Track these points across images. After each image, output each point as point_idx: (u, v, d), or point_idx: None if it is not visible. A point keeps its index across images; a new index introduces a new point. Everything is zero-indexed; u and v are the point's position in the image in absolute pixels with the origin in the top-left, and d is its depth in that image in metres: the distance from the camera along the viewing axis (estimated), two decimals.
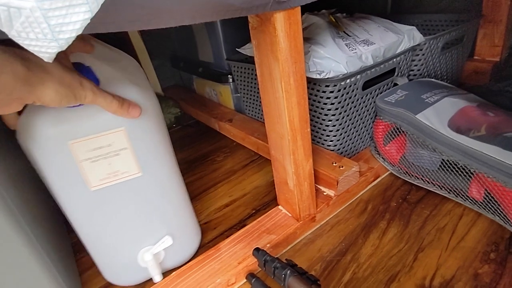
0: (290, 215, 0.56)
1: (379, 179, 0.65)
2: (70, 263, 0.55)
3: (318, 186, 0.61)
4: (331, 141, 0.64)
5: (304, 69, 0.43)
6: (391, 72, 0.65)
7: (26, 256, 0.37)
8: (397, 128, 0.59)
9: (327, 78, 0.56)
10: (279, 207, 0.58)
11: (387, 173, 0.66)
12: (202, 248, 0.57)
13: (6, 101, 0.27)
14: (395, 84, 0.66)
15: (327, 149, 0.65)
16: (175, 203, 0.50)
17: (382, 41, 0.61)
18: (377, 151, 0.65)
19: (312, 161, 0.51)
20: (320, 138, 0.65)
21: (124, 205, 0.45)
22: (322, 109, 0.60)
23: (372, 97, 0.65)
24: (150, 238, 0.48)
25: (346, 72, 0.56)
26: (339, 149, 0.66)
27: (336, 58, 0.55)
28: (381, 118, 0.60)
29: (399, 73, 0.66)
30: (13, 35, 0.19)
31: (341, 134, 0.64)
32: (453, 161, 0.52)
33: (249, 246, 0.51)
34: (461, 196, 0.54)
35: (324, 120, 0.62)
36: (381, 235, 0.54)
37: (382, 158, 0.64)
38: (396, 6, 1.01)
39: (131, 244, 0.48)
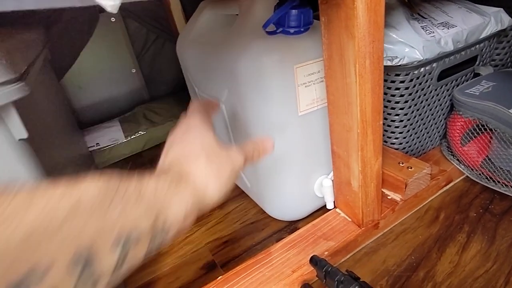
0: (350, 219, 0.50)
1: (451, 184, 0.57)
2: None
3: (382, 189, 0.53)
4: (396, 138, 0.57)
5: (383, 50, 0.37)
6: (472, 60, 0.56)
7: None
8: (482, 125, 0.50)
9: (399, 65, 0.48)
10: (337, 210, 0.52)
11: (462, 177, 0.57)
12: None
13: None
14: (476, 75, 0.57)
15: (391, 148, 0.58)
16: None
17: (464, 23, 0.52)
18: (451, 152, 0.56)
19: (381, 160, 0.44)
20: (383, 134, 0.58)
21: (317, 132, 0.49)
22: (389, 101, 0.53)
23: (447, 90, 0.56)
24: (326, 167, 0.52)
25: (422, 58, 0.48)
26: (404, 148, 0.58)
27: (411, 43, 0.48)
28: (460, 113, 0.52)
29: (481, 62, 0.57)
30: None
31: (408, 131, 0.56)
32: None
33: (303, 252, 0.46)
34: None
35: (390, 114, 0.54)
36: (460, 250, 0.46)
37: (458, 160, 0.55)
38: None
39: (311, 173, 0.52)
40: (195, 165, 0.26)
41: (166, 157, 0.28)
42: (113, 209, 0.18)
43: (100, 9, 0.97)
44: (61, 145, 0.46)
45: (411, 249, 0.47)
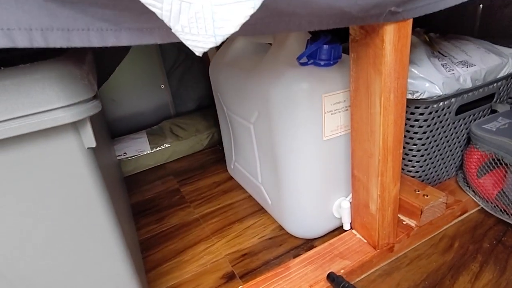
0: (365, 241, 0.52)
1: (466, 215, 0.59)
2: (138, 260, 0.57)
3: (398, 215, 0.56)
4: (413, 166, 0.59)
5: (406, 86, 0.40)
6: (489, 97, 0.59)
7: (114, 250, 0.38)
8: (497, 160, 0.52)
9: (419, 99, 0.52)
10: (353, 231, 0.54)
11: (477, 208, 0.59)
12: None
13: None
14: (493, 111, 0.60)
15: (407, 175, 0.60)
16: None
17: (483, 63, 0.56)
18: (467, 183, 0.58)
19: (399, 186, 0.47)
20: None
21: (339, 156, 0.52)
22: (408, 131, 0.56)
23: (465, 124, 0.59)
24: (344, 190, 0.56)
25: (441, 94, 0.51)
26: (420, 176, 0.60)
27: (431, 79, 0.51)
28: (477, 146, 0.55)
29: (498, 99, 0.60)
30: (176, 29, 0.19)
31: (425, 161, 0.59)
32: None
33: (321, 268, 0.48)
34: None
35: (408, 143, 0.57)
36: (473, 279, 0.47)
37: (473, 191, 0.57)
38: (484, 28, 0.93)
39: (330, 194, 0.55)
40: None
41: None
42: None
43: None
44: (104, 153, 0.51)
45: (424, 275, 0.49)
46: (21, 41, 0.21)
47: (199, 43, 0.20)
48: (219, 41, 0.20)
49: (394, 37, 0.36)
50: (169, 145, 0.95)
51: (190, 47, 0.20)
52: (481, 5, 0.80)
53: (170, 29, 0.20)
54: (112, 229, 0.36)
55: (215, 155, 0.97)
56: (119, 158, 0.91)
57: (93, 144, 0.31)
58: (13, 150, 0.28)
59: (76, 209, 0.32)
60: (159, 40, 0.24)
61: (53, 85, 0.27)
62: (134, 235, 0.62)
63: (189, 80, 1.15)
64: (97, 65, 1.02)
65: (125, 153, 0.93)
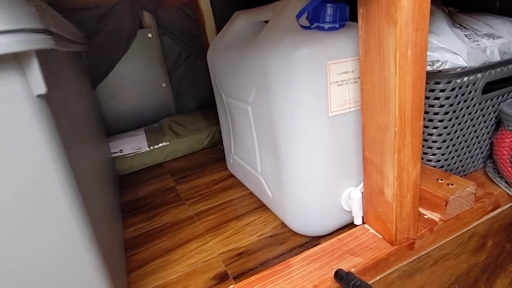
0: (380, 236, 0.44)
1: (499, 210, 0.50)
2: (120, 260, 0.50)
3: (418, 208, 0.48)
4: (434, 154, 0.52)
5: (427, 41, 0.34)
6: None
7: (82, 251, 0.31)
8: None
9: (440, 71, 0.45)
10: (365, 225, 0.47)
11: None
12: None
13: None
14: None
15: (427, 165, 0.53)
16: None
17: (511, 35, 0.49)
18: (499, 173, 0.50)
19: (420, 167, 0.39)
20: None
21: (347, 137, 0.45)
22: (427, 112, 0.49)
23: (493, 105, 0.52)
24: (355, 179, 0.48)
25: (465, 65, 0.45)
26: (442, 166, 0.53)
27: (454, 49, 0.45)
28: (510, 128, 0.47)
29: None
30: None
31: (447, 147, 0.51)
32: None
33: (327, 266, 0.41)
34: None
35: (427, 127, 0.50)
36: None
37: (507, 182, 0.49)
38: (504, 8, 0.86)
39: (339, 183, 0.47)
40: None
41: None
42: None
43: (139, 25, 1.02)
44: (88, 145, 0.45)
45: (453, 278, 0.41)
46: None
47: None
48: None
49: None
50: (168, 143, 0.90)
51: None
52: None
53: None
54: (76, 219, 0.29)
55: (215, 154, 0.91)
56: (114, 155, 0.85)
57: (42, 90, 0.25)
58: None
59: (21, 183, 0.26)
60: None
61: None
62: (118, 234, 0.55)
63: (191, 79, 1.11)
64: (94, 60, 0.99)
65: (121, 150, 0.88)
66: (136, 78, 1.04)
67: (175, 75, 1.09)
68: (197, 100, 1.13)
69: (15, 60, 0.24)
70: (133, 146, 0.89)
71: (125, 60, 1.01)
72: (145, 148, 0.88)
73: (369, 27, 0.36)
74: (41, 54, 0.25)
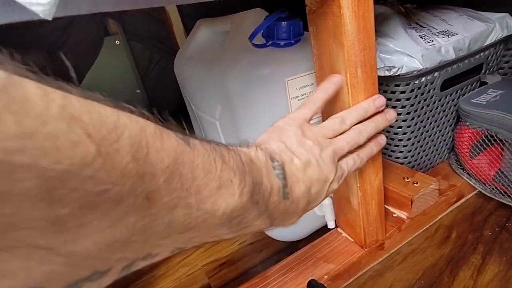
0: (352, 240, 0.46)
1: (463, 200, 0.53)
2: None
3: (387, 207, 0.50)
4: (401, 152, 0.54)
5: (375, 59, 0.35)
6: (477, 69, 0.53)
7: None
8: (491, 136, 0.47)
9: (398, 75, 0.46)
10: (338, 229, 0.49)
11: (474, 192, 0.53)
12: None
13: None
14: (483, 83, 0.54)
15: (395, 162, 0.55)
16: None
17: (466, 31, 0.50)
18: (461, 165, 0.53)
19: (382, 175, 0.41)
20: (387, 148, 0.55)
21: None
22: None
23: (453, 100, 0.53)
24: None
25: (421, 68, 0.46)
26: (410, 162, 0.55)
27: (409, 52, 0.46)
28: (467, 124, 0.49)
29: (487, 70, 0.54)
30: None
31: (413, 144, 0.53)
32: None
33: (302, 276, 0.43)
34: None
35: (392, 126, 0.52)
36: (475, 273, 0.42)
37: (468, 174, 0.52)
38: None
39: None
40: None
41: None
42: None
43: (104, 33, 1.00)
44: None
45: (420, 272, 0.43)
46: None
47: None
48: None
49: (352, 1, 0.31)
50: None
51: (27, 5, 0.15)
52: None
53: None
54: None
55: None
56: None
57: None
58: None
59: None
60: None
61: None
62: None
63: (165, 82, 1.10)
64: (62, 73, 0.96)
65: None
66: (108, 87, 1.02)
67: (149, 80, 1.08)
68: (174, 103, 1.12)
69: None
70: None
71: (95, 70, 0.99)
72: None
73: (320, 46, 0.36)
74: None
